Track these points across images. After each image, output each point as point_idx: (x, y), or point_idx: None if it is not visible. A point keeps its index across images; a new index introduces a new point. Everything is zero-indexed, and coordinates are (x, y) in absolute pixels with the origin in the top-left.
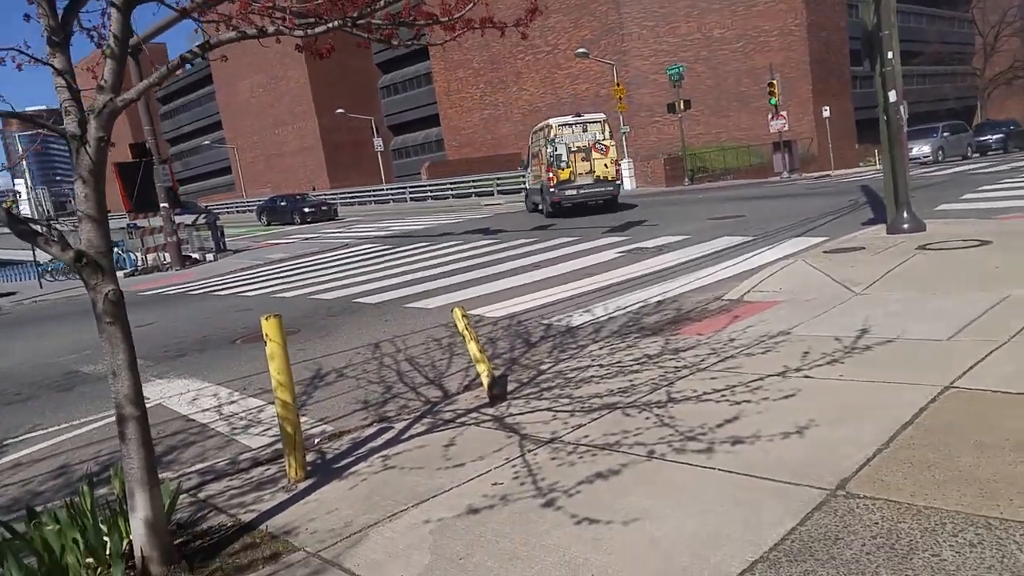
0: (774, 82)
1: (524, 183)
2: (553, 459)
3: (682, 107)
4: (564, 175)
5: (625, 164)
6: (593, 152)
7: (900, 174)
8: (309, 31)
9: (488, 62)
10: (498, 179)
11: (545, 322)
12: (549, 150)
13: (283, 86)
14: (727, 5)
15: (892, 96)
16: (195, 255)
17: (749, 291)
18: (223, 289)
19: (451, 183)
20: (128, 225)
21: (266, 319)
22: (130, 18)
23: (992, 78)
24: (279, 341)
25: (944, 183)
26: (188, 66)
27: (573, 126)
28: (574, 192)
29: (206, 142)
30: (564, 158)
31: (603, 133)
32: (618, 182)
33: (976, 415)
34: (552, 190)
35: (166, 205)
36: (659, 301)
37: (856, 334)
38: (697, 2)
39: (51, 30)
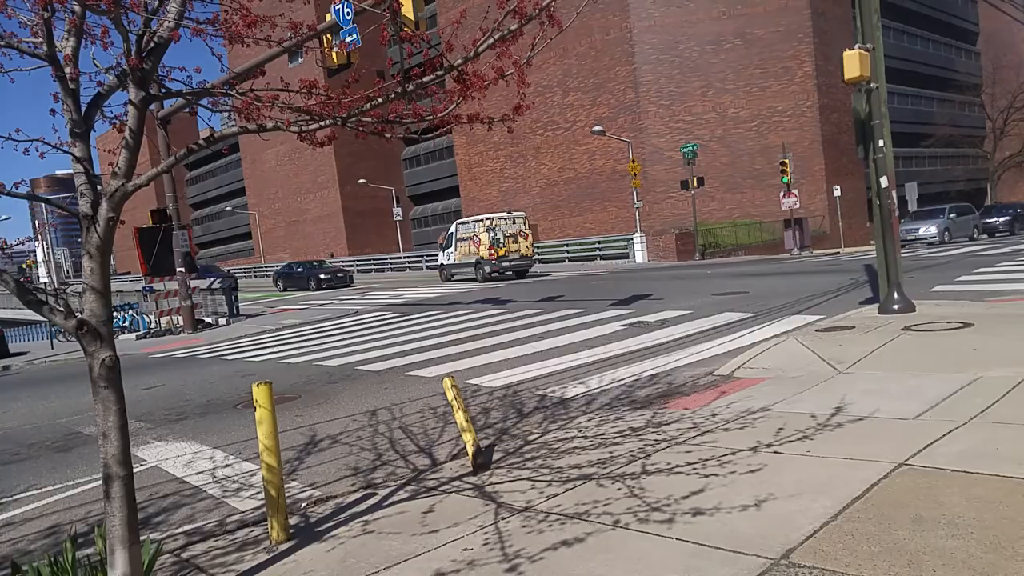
0: (786, 161)
1: (439, 261)
2: (524, 527)
3: (695, 184)
4: (502, 252)
5: (637, 237)
6: (519, 237)
7: (891, 256)
8: (303, 127)
9: (508, 137)
10: None
11: (540, 393)
12: (491, 235)
13: (307, 156)
14: (741, 86)
15: (884, 182)
16: (208, 319)
17: (739, 367)
18: (232, 354)
19: None
20: (143, 288)
21: (257, 386)
22: (145, 114)
23: (1002, 161)
24: (268, 407)
25: (946, 264)
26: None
27: (507, 220)
28: (508, 263)
29: (228, 208)
30: (502, 241)
31: (525, 225)
32: (534, 257)
33: (921, 491)
34: (493, 262)
35: (182, 269)
36: (653, 375)
37: (831, 411)
38: (712, 83)
39: (74, 123)
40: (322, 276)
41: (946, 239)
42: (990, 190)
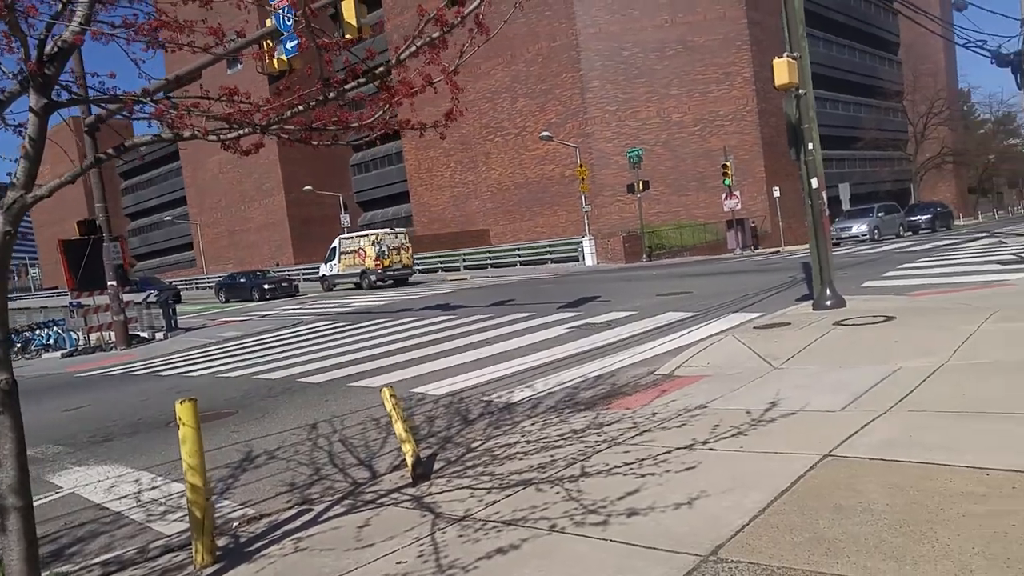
0: (728, 164)
1: (321, 272)
2: (460, 536)
3: (641, 187)
4: (387, 263)
5: (586, 241)
6: (401, 250)
7: (823, 255)
8: (222, 136)
9: (459, 142)
10: (465, 254)
11: (486, 399)
12: (377, 248)
13: (252, 163)
14: (684, 91)
15: (814, 183)
16: (144, 334)
17: (680, 366)
18: (168, 369)
19: (418, 258)
20: (70, 304)
21: (180, 403)
22: (47, 122)
23: (923, 163)
24: (192, 425)
25: (875, 260)
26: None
27: (391, 234)
28: (392, 272)
29: (167, 217)
30: (387, 253)
31: (406, 239)
32: (413, 267)
33: (842, 481)
34: (379, 271)
35: (114, 283)
36: (598, 376)
37: (766, 407)
38: (656, 88)
39: None
40: (266, 286)
41: (876, 236)
42: (913, 190)
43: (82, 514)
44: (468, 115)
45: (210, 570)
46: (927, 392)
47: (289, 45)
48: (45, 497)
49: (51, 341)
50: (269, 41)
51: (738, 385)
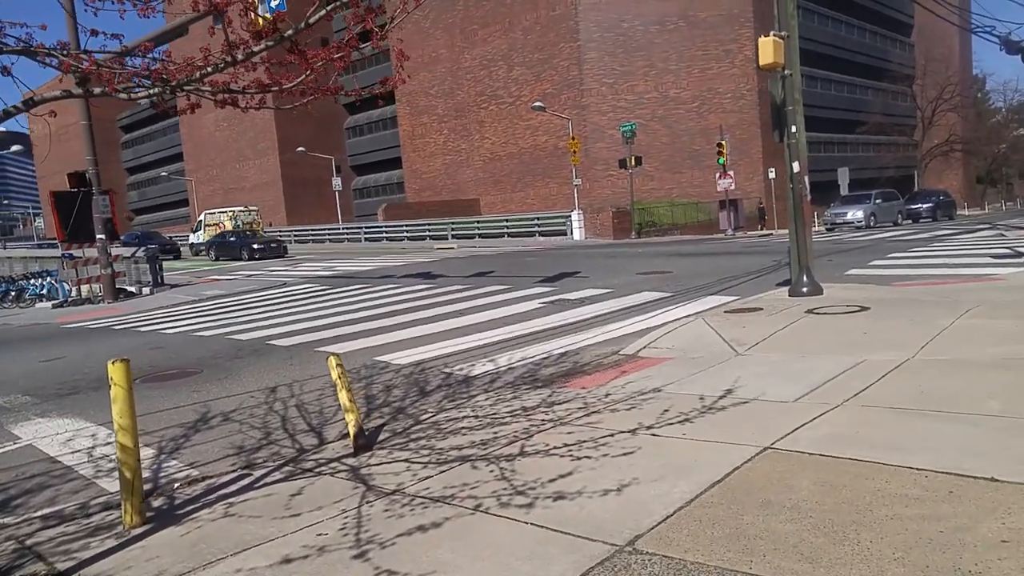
0: (723, 142)
1: (190, 240)
2: (386, 511)
3: (633, 163)
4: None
5: (575, 215)
6: (253, 225)
7: (802, 240)
8: (131, 95)
9: (452, 109)
10: (453, 224)
11: (447, 370)
12: (234, 222)
13: (247, 122)
14: (684, 67)
15: (795, 167)
16: (131, 288)
17: (645, 347)
18: (146, 325)
19: (407, 225)
20: (62, 254)
21: (112, 363)
22: None
23: (929, 150)
24: (124, 386)
25: (865, 248)
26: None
27: (245, 211)
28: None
29: (163, 173)
30: (241, 226)
31: (259, 216)
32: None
33: (777, 475)
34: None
35: (102, 236)
36: (562, 353)
37: (720, 394)
38: (655, 63)
39: None
40: (255, 246)
41: (872, 224)
42: (917, 177)
43: (35, 466)
44: (463, 82)
45: (139, 531)
46: (886, 387)
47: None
48: (3, 447)
49: (44, 291)
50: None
51: (698, 370)
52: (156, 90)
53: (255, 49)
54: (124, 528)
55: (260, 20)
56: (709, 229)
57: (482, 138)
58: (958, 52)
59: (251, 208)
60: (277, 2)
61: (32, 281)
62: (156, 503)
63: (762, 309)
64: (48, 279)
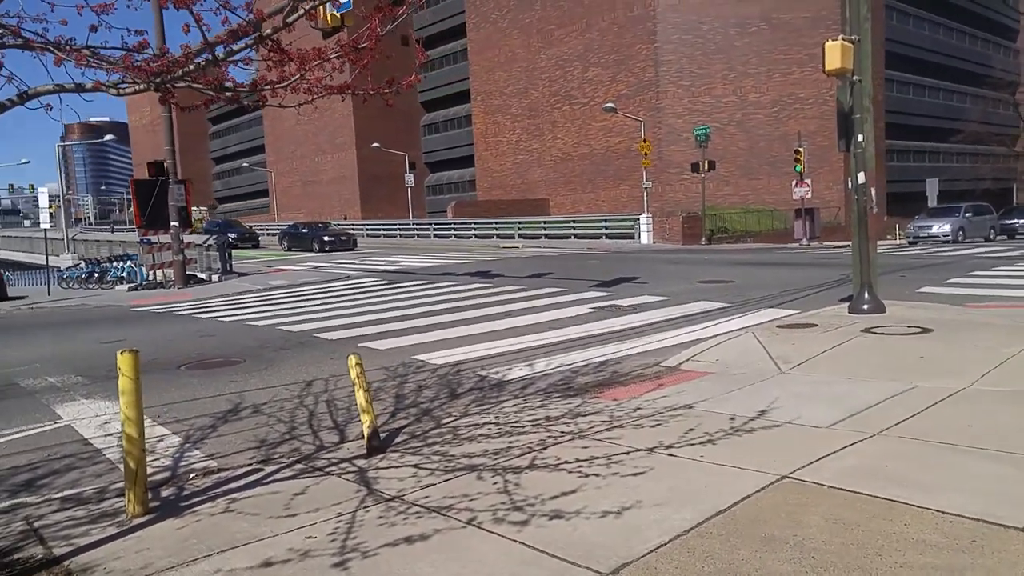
0: (800, 149)
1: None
2: (380, 518)
3: (705, 167)
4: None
5: (643, 218)
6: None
7: (865, 255)
8: (121, 89)
9: (526, 109)
10: (520, 223)
11: (482, 373)
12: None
13: (327, 116)
14: (764, 71)
15: (861, 177)
16: (201, 275)
17: (688, 360)
18: (206, 312)
19: (474, 223)
20: (141, 240)
21: (121, 353)
22: None
23: None
24: (132, 376)
25: (945, 265)
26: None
27: (196, 209)
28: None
29: (245, 164)
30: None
31: (206, 214)
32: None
33: (788, 508)
34: None
35: (176, 224)
36: (602, 361)
37: (753, 414)
38: (734, 66)
39: None
40: (326, 238)
41: (960, 239)
42: (1016, 191)
43: (67, 447)
44: (538, 82)
45: (140, 520)
46: (931, 418)
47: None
48: (45, 426)
49: (124, 274)
50: None
51: (736, 387)
52: (141, 87)
53: (234, 48)
54: (127, 517)
55: (330, 18)
56: (784, 238)
57: (554, 138)
58: None
59: (201, 208)
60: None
61: (114, 264)
62: (165, 493)
63: (816, 325)
64: (128, 263)
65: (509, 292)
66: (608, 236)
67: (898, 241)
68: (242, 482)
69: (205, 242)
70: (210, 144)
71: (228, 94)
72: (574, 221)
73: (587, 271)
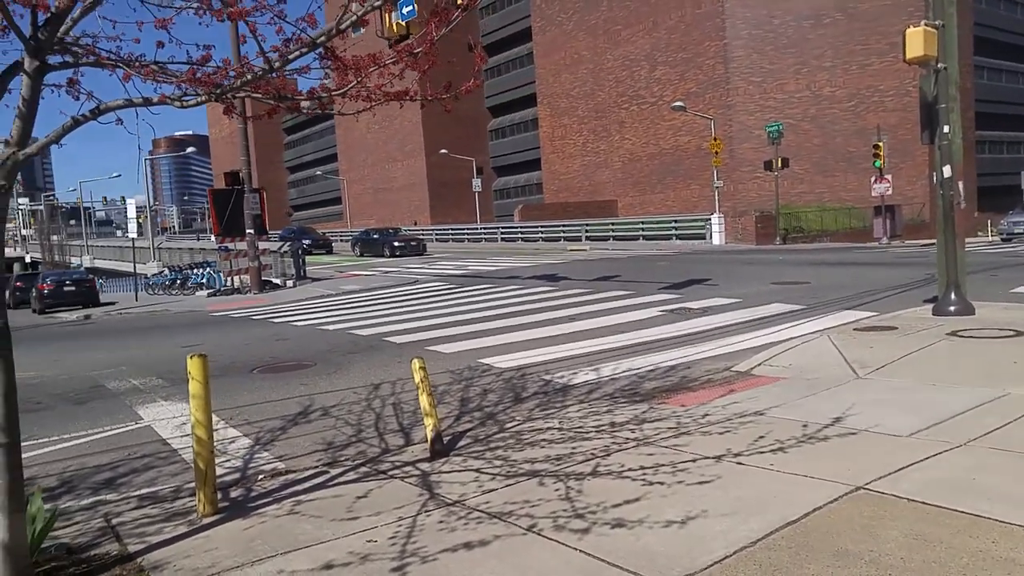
0: (879, 144)
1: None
2: (440, 523)
3: (779, 165)
4: None
5: (715, 218)
6: None
7: (951, 253)
8: (185, 101)
9: (593, 110)
10: (587, 225)
11: (547, 377)
12: None
13: (396, 125)
14: (839, 64)
15: (947, 171)
16: (276, 280)
17: (760, 364)
18: (281, 316)
19: (542, 226)
20: (219, 247)
21: (191, 358)
22: (40, 84)
23: None
24: (201, 380)
25: None
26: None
27: None
28: None
29: (318, 172)
30: None
31: None
32: None
33: (863, 521)
34: None
35: (251, 231)
36: (671, 366)
37: (828, 421)
38: (807, 60)
39: None
40: (396, 243)
41: None
42: None
43: (147, 447)
44: (605, 83)
45: (209, 520)
46: None
47: (405, 10)
48: (126, 426)
49: (204, 280)
50: (389, 6)
51: (810, 392)
52: (203, 98)
53: (290, 58)
54: (197, 516)
55: (395, 27)
56: (862, 236)
57: (622, 139)
58: None
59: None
60: (409, 9)
61: (195, 271)
62: (235, 493)
63: (896, 328)
64: (207, 269)
65: (575, 295)
66: (678, 237)
67: (990, 238)
68: (307, 484)
69: (280, 248)
70: (285, 154)
71: (287, 103)
72: (643, 222)
73: (656, 273)
